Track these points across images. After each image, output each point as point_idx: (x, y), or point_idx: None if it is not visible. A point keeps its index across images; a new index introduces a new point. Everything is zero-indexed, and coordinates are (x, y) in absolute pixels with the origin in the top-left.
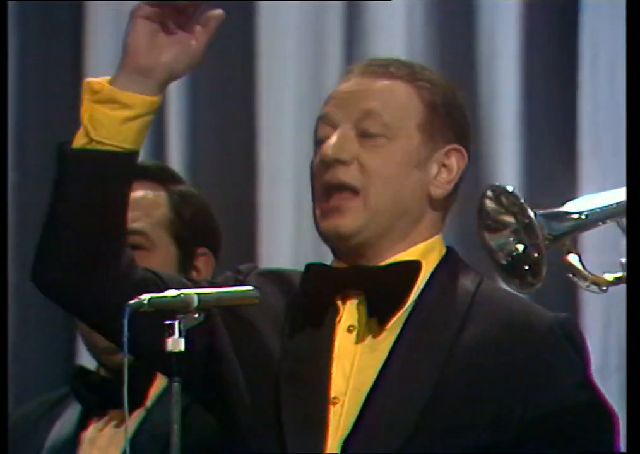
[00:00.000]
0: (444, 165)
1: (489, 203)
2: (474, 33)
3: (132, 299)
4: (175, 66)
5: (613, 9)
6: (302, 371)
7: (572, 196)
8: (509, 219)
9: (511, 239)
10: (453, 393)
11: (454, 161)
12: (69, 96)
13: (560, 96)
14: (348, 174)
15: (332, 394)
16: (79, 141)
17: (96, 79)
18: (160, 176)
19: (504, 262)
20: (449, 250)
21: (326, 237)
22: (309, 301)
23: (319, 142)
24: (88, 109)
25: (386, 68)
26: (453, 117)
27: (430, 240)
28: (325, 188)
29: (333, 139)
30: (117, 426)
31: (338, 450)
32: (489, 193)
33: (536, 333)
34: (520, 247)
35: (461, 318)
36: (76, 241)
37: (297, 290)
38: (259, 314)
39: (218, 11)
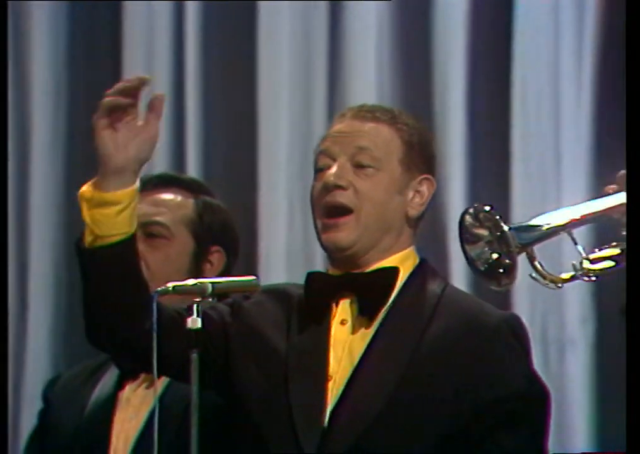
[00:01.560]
0: (417, 191)
1: (468, 219)
2: (430, 72)
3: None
4: (141, 156)
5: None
6: (307, 357)
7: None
8: (485, 232)
9: (487, 249)
10: (421, 372)
11: (425, 188)
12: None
13: (497, 125)
14: (345, 197)
15: (329, 372)
16: (88, 238)
17: (85, 188)
18: (192, 187)
19: (482, 269)
20: (422, 260)
21: (326, 248)
22: (311, 301)
23: (319, 170)
24: (87, 213)
25: (373, 113)
26: (425, 152)
27: (406, 251)
28: (326, 207)
29: (334, 169)
30: (148, 388)
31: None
32: (470, 210)
33: (488, 328)
34: (495, 255)
35: (429, 315)
36: (108, 311)
37: (297, 296)
38: (264, 321)
39: (160, 93)
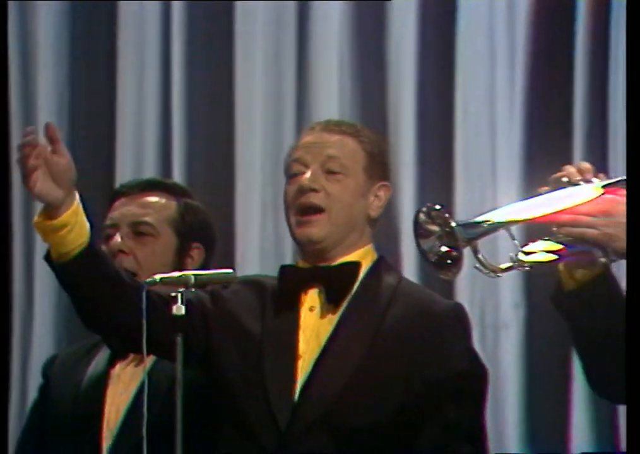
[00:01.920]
0: (377, 195)
1: (422, 217)
2: (384, 94)
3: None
4: (69, 179)
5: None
6: (279, 339)
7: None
8: (435, 228)
9: (437, 243)
10: (379, 353)
11: (383, 193)
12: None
13: (442, 138)
14: (317, 198)
15: (299, 352)
16: (54, 256)
17: (37, 219)
18: (175, 190)
19: (433, 260)
20: (380, 256)
21: (300, 241)
22: (283, 291)
23: (293, 175)
24: (45, 239)
25: (339, 127)
26: (383, 162)
27: (366, 247)
28: (301, 207)
29: (308, 174)
30: (136, 366)
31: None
32: (424, 209)
33: (437, 314)
34: (444, 248)
35: (386, 303)
36: (91, 308)
37: (270, 286)
38: (240, 307)
39: (49, 122)
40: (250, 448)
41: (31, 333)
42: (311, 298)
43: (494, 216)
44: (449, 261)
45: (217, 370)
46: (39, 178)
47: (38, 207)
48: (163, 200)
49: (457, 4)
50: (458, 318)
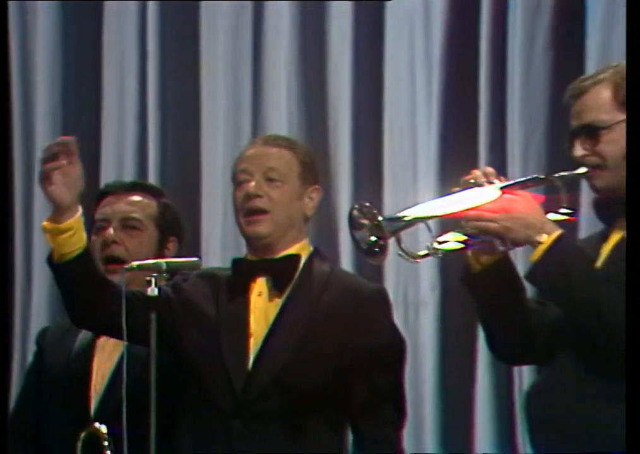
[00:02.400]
0: (310, 197)
1: (355, 212)
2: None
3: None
4: (77, 190)
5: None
6: (233, 321)
7: (379, 207)
8: (366, 221)
9: (367, 234)
10: (317, 328)
11: (315, 195)
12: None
13: (372, 145)
14: (262, 203)
15: (251, 330)
16: (56, 256)
17: (46, 223)
18: (154, 191)
19: (364, 248)
20: (315, 248)
21: (249, 237)
22: (236, 279)
23: (240, 183)
24: (51, 240)
25: (277, 141)
26: (314, 169)
27: (303, 241)
28: (249, 210)
29: (253, 183)
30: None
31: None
32: (357, 206)
33: (364, 296)
34: (373, 238)
35: (322, 287)
36: (80, 303)
37: (224, 276)
38: (198, 296)
39: (70, 139)
40: (212, 410)
41: (30, 308)
42: (259, 285)
43: (414, 212)
44: (377, 250)
45: (182, 348)
46: (55, 181)
47: (38, 208)
48: (146, 200)
49: (384, 22)
50: (382, 299)
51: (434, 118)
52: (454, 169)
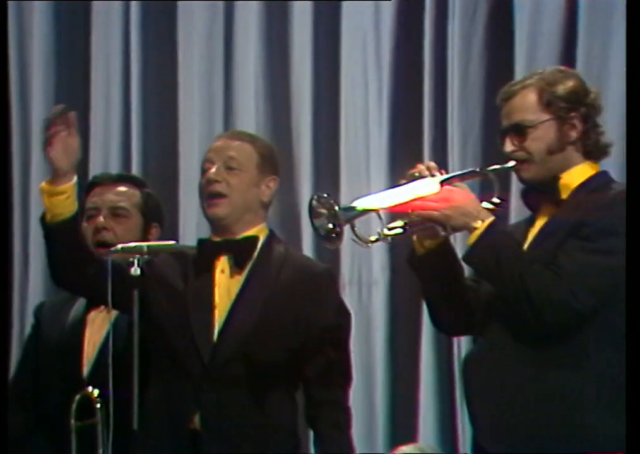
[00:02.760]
0: (267, 186)
1: (314, 202)
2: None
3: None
4: (74, 158)
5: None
6: (200, 295)
7: (335, 197)
8: (324, 210)
9: (325, 221)
10: (275, 304)
11: (272, 185)
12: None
13: (329, 142)
14: (220, 187)
15: (215, 304)
16: (48, 217)
17: (44, 184)
18: (138, 182)
19: (322, 234)
20: (271, 231)
21: (209, 218)
22: (202, 258)
23: (204, 171)
24: (47, 200)
25: (239, 136)
26: (272, 161)
27: (261, 225)
28: (209, 194)
29: (213, 169)
30: (107, 312)
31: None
32: (314, 197)
33: (316, 275)
34: (330, 226)
35: (278, 267)
36: (63, 265)
37: (191, 254)
38: (169, 272)
39: (71, 113)
40: (181, 378)
41: (28, 285)
42: (222, 263)
43: (367, 203)
44: (334, 235)
45: (153, 319)
46: (56, 147)
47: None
48: (131, 190)
49: (340, 35)
50: (330, 278)
51: (384, 119)
52: (401, 163)
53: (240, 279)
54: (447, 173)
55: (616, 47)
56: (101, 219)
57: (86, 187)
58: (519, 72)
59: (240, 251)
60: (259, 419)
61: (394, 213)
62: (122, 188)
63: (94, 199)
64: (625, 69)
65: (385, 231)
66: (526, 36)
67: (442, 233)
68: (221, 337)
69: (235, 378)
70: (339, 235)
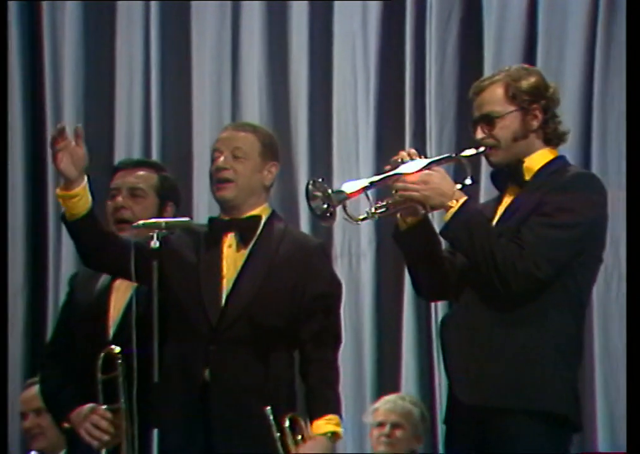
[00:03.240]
0: (269, 171)
1: (310, 186)
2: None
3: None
4: (82, 165)
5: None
6: (209, 266)
7: (329, 181)
8: (319, 193)
9: (321, 202)
10: (275, 274)
11: (273, 170)
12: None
13: (323, 134)
14: (228, 174)
15: (223, 274)
16: (67, 215)
17: (58, 190)
18: (156, 166)
19: (319, 213)
20: (273, 211)
21: (218, 200)
22: (211, 234)
23: (213, 159)
24: (63, 204)
25: (244, 127)
26: (273, 149)
27: (264, 205)
28: (218, 179)
29: (222, 158)
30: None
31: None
32: (310, 181)
33: (311, 248)
34: (325, 206)
35: (279, 240)
36: (88, 251)
37: (202, 231)
38: (182, 246)
39: (78, 126)
40: (191, 337)
41: (61, 257)
42: (229, 239)
43: (356, 184)
44: (328, 215)
45: (167, 287)
46: (63, 160)
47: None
48: (149, 173)
49: (333, 38)
50: (324, 252)
51: (371, 111)
52: (386, 150)
53: (245, 253)
54: (426, 158)
55: (571, 47)
56: (120, 198)
57: (111, 171)
58: (488, 70)
59: (245, 229)
60: (261, 373)
61: (380, 194)
62: (141, 172)
63: (117, 181)
64: (625, 69)
65: (373, 210)
66: (493, 39)
67: (422, 211)
68: (228, 302)
69: (240, 338)
70: (333, 215)
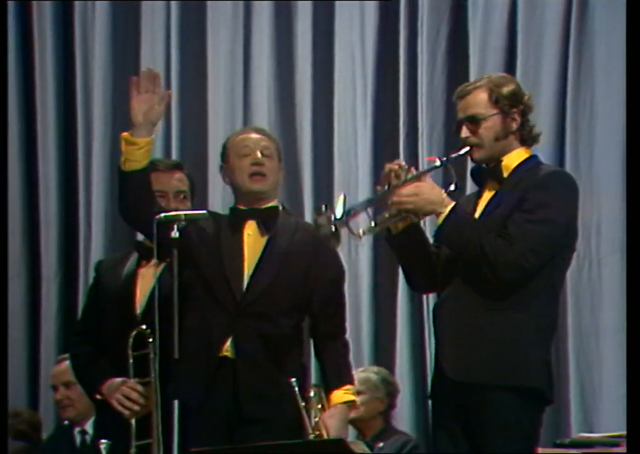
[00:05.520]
0: (280, 170)
1: (315, 215)
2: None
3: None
4: (153, 119)
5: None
6: (232, 252)
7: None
8: (324, 222)
9: (327, 229)
10: (291, 261)
11: (282, 170)
12: None
13: (324, 140)
14: (263, 169)
15: (245, 257)
16: (123, 162)
17: (125, 134)
18: (182, 167)
19: (327, 237)
20: (283, 205)
21: (252, 192)
22: (232, 223)
23: (245, 155)
24: (124, 147)
25: (263, 131)
26: (281, 153)
27: (276, 199)
28: (254, 172)
29: (258, 154)
30: (155, 268)
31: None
32: (316, 210)
33: (319, 238)
34: (332, 229)
35: (293, 230)
36: (132, 205)
37: (223, 220)
38: (205, 233)
39: (169, 92)
40: (219, 311)
41: (90, 248)
42: (249, 227)
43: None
44: (335, 237)
45: (195, 268)
46: (138, 101)
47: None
48: (183, 176)
49: (334, 48)
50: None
51: (369, 115)
52: (382, 150)
53: (264, 240)
54: (417, 161)
55: (547, 58)
56: (170, 202)
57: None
58: (473, 78)
59: (266, 218)
60: (276, 345)
61: (377, 212)
62: (178, 175)
63: (163, 186)
64: (625, 69)
65: (372, 225)
66: (478, 51)
67: (416, 220)
68: (250, 284)
69: (260, 312)
70: (338, 235)
